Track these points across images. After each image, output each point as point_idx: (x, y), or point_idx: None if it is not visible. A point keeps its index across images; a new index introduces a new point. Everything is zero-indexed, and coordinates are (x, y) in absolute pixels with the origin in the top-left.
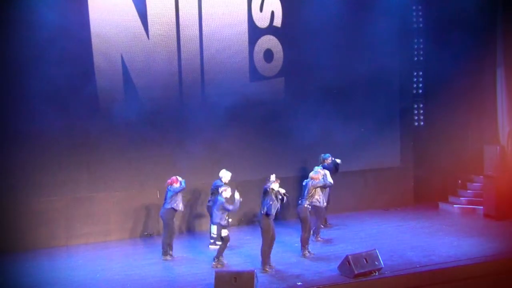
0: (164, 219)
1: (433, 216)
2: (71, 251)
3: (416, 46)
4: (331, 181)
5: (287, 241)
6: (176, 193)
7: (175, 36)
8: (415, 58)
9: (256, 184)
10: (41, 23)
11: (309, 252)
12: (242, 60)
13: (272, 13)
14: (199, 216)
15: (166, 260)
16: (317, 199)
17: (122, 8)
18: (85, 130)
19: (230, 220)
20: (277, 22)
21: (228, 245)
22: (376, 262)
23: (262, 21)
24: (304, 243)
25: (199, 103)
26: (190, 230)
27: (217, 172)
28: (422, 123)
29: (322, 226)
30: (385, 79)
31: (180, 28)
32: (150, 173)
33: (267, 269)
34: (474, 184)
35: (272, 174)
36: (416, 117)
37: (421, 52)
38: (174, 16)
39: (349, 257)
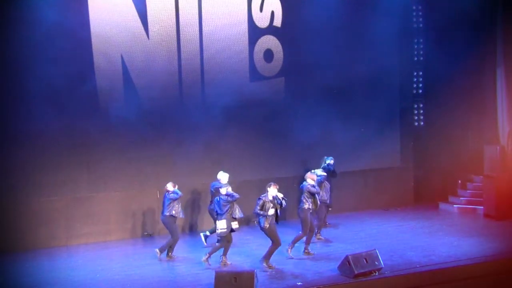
0: (165, 225)
1: (433, 216)
2: (71, 251)
3: (416, 46)
4: (319, 190)
5: (287, 241)
6: (173, 201)
7: (175, 36)
8: (415, 58)
9: (256, 184)
10: (41, 23)
11: (308, 252)
12: (242, 60)
13: (272, 13)
14: (199, 216)
15: (161, 259)
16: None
17: (122, 8)
18: (85, 130)
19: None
20: (277, 22)
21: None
22: (376, 262)
23: (262, 21)
24: (295, 241)
25: (199, 103)
26: (190, 230)
27: (217, 172)
28: (422, 123)
29: (328, 224)
30: (385, 79)
31: (180, 28)
32: (150, 173)
33: (267, 265)
34: (474, 184)
35: (271, 182)
36: (416, 117)
37: (421, 52)
38: (174, 16)
39: (349, 257)
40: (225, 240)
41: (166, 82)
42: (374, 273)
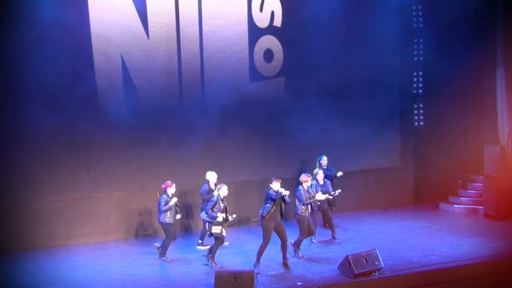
0: (162, 226)
1: (433, 216)
2: (71, 251)
3: (416, 46)
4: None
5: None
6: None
7: (175, 36)
8: (415, 58)
9: (256, 184)
10: (41, 23)
11: (299, 255)
12: (242, 60)
13: (272, 13)
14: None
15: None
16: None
17: (122, 8)
18: (85, 130)
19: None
20: (277, 22)
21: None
22: (376, 262)
23: (262, 21)
24: (297, 245)
25: (199, 103)
26: (189, 230)
27: (217, 172)
28: (422, 123)
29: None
30: (385, 79)
31: (180, 28)
32: (150, 173)
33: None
34: (474, 184)
35: (273, 176)
36: (416, 117)
37: (421, 52)
38: (174, 16)
39: (349, 257)
40: (221, 241)
41: (166, 82)
42: (374, 273)
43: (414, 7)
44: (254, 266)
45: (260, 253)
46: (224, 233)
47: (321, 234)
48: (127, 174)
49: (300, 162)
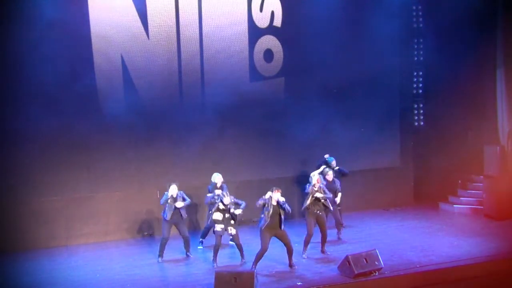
0: None
1: (433, 216)
2: (71, 251)
3: (416, 46)
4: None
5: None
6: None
7: (175, 36)
8: (415, 58)
9: (255, 184)
10: (41, 23)
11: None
12: (242, 60)
13: (272, 13)
14: (199, 216)
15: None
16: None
17: (122, 8)
18: (85, 130)
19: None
20: (277, 22)
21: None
22: (376, 262)
23: (262, 21)
24: (305, 244)
25: (199, 103)
26: (189, 230)
27: (217, 172)
28: (422, 123)
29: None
30: (385, 79)
31: (180, 28)
32: (150, 173)
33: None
34: (474, 184)
35: (274, 186)
36: (416, 117)
37: (421, 52)
38: (174, 16)
39: (349, 257)
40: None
41: (166, 82)
42: (374, 273)
43: (414, 7)
44: (251, 268)
45: (257, 258)
46: (232, 231)
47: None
48: (127, 174)
49: (300, 162)
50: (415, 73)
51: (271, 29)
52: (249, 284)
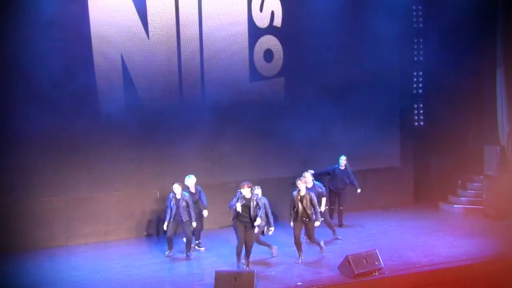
0: None
1: (433, 216)
2: (71, 251)
3: (416, 46)
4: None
5: (287, 242)
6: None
7: (175, 36)
8: (415, 58)
9: (255, 184)
10: (40, 23)
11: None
12: (242, 60)
13: (272, 13)
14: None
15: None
16: None
17: (122, 8)
18: (85, 130)
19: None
20: (277, 22)
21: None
22: (376, 262)
23: (262, 21)
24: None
25: (199, 103)
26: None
27: (217, 172)
28: (422, 123)
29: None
30: (385, 79)
31: (180, 28)
32: (150, 173)
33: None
34: (474, 184)
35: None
36: (416, 117)
37: (421, 52)
38: (174, 16)
39: (349, 257)
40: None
41: (166, 82)
42: (374, 273)
43: (414, 7)
44: (237, 265)
45: (236, 253)
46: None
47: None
48: (127, 174)
49: (300, 162)
50: (415, 73)
51: (271, 29)
52: (249, 284)
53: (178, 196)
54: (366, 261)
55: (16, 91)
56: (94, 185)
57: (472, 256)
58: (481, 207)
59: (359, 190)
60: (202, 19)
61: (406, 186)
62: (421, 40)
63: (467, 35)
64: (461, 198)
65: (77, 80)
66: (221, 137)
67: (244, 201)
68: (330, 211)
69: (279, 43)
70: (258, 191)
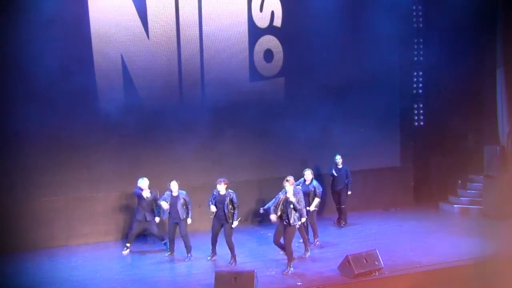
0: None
1: (433, 216)
2: (71, 251)
3: (416, 46)
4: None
5: None
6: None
7: (175, 36)
8: (415, 58)
9: (255, 184)
10: (40, 23)
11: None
12: (242, 60)
13: (272, 13)
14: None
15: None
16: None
17: (122, 8)
18: (84, 130)
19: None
20: (277, 22)
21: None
22: (376, 262)
23: (262, 21)
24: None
25: (199, 103)
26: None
27: (217, 172)
28: (422, 123)
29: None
30: (385, 79)
31: (180, 28)
32: (150, 173)
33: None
34: (474, 184)
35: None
36: (416, 117)
37: (421, 52)
38: (174, 16)
39: (349, 257)
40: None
41: (166, 82)
42: (374, 273)
43: (414, 7)
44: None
45: (211, 243)
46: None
47: (322, 234)
48: (127, 174)
49: (300, 162)
50: (415, 73)
51: (271, 29)
52: (249, 284)
53: (175, 194)
54: (366, 261)
55: (16, 91)
56: (94, 185)
57: (472, 256)
58: (481, 207)
59: (349, 192)
60: (202, 19)
61: (406, 186)
62: (421, 40)
63: (467, 35)
64: (461, 198)
65: (77, 80)
66: (221, 137)
67: (219, 198)
68: (338, 210)
69: (279, 43)
70: (289, 186)
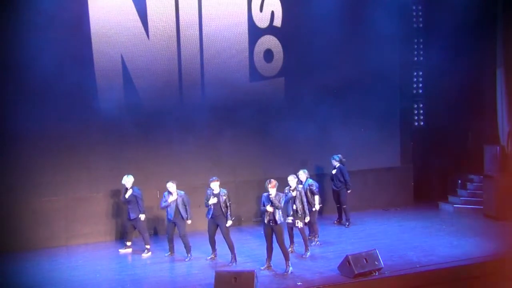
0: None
1: (433, 216)
2: (71, 251)
3: (416, 46)
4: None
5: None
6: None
7: (175, 36)
8: (415, 58)
9: (255, 184)
10: (41, 23)
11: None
12: (242, 60)
13: (272, 13)
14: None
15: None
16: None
17: (122, 8)
18: (84, 130)
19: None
20: (277, 22)
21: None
22: (376, 262)
23: (262, 21)
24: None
25: (199, 103)
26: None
27: (217, 172)
28: (422, 123)
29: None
30: (385, 79)
31: (180, 28)
32: (150, 173)
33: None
34: (474, 184)
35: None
36: (416, 117)
37: (421, 52)
38: (174, 16)
39: (349, 257)
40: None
41: (166, 82)
42: (374, 273)
43: (414, 7)
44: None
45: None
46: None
47: (322, 234)
48: (127, 174)
49: (300, 162)
50: (415, 73)
51: (271, 29)
52: (249, 284)
53: (174, 194)
54: (366, 261)
55: (16, 91)
56: (94, 185)
57: (472, 256)
58: (481, 207)
59: (348, 191)
60: (202, 19)
61: (406, 186)
62: (421, 40)
63: (467, 35)
64: (461, 198)
65: (77, 80)
66: (221, 137)
67: (213, 196)
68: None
69: (279, 43)
70: (270, 188)
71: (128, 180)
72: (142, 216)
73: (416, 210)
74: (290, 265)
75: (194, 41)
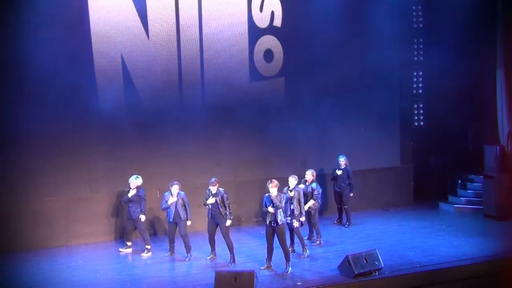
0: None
1: (433, 216)
2: (71, 251)
3: (416, 46)
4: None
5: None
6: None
7: (175, 36)
8: (415, 58)
9: (255, 184)
10: (41, 23)
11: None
12: (242, 60)
13: (272, 13)
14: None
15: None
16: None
17: (122, 8)
18: (84, 130)
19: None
20: (277, 22)
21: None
22: (376, 262)
23: (262, 21)
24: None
25: (199, 103)
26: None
27: (217, 172)
28: (422, 123)
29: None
30: (385, 79)
31: (180, 28)
32: (150, 173)
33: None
34: (474, 184)
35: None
36: (416, 117)
37: (421, 52)
38: (174, 16)
39: (349, 257)
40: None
41: (166, 82)
42: (374, 273)
43: (414, 7)
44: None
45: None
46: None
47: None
48: (127, 174)
49: (300, 162)
50: (415, 73)
51: (271, 29)
52: (249, 284)
53: (175, 195)
54: (366, 261)
55: (16, 91)
56: (94, 185)
57: (472, 256)
58: (481, 207)
59: (351, 194)
60: (202, 19)
61: (406, 186)
62: (421, 40)
63: (467, 35)
64: (461, 198)
65: (77, 80)
66: (221, 137)
67: (212, 196)
68: (338, 210)
69: (279, 43)
70: (271, 188)
71: (136, 182)
72: (143, 217)
73: (416, 210)
74: (290, 265)
75: (194, 41)
